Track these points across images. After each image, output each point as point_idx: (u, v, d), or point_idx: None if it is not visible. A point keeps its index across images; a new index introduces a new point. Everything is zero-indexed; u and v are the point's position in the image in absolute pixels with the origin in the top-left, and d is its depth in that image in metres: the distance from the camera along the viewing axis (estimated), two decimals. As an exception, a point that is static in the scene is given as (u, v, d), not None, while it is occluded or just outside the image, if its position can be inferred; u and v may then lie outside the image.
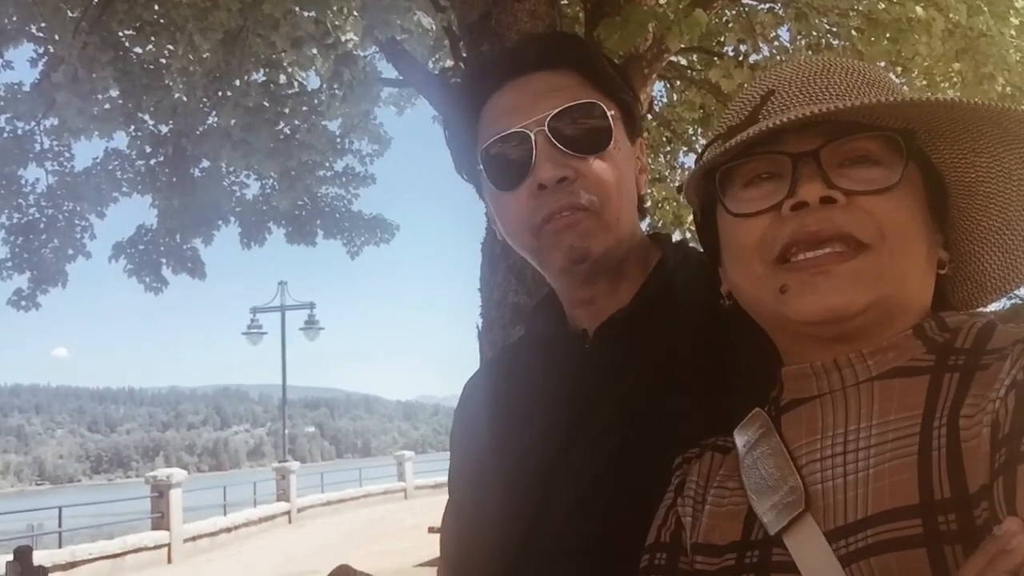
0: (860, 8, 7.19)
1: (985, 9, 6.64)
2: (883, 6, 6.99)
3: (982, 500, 0.76)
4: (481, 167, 1.27)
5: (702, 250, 1.12)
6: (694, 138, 9.69)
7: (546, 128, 1.19)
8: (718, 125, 1.05)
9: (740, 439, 0.99)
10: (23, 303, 8.89)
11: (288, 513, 22.13)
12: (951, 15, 6.50)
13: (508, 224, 1.28)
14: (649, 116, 8.53)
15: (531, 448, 1.22)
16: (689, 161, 9.78)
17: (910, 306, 0.92)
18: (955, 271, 1.02)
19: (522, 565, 1.17)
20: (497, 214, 1.30)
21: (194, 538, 17.34)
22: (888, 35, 6.56)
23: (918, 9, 6.42)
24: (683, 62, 8.91)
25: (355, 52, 7.17)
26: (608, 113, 1.23)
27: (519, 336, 1.45)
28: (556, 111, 1.20)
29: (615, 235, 1.22)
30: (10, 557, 9.27)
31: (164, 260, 9.71)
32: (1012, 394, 0.79)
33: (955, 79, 7.61)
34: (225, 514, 20.27)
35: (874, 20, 6.75)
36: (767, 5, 7.71)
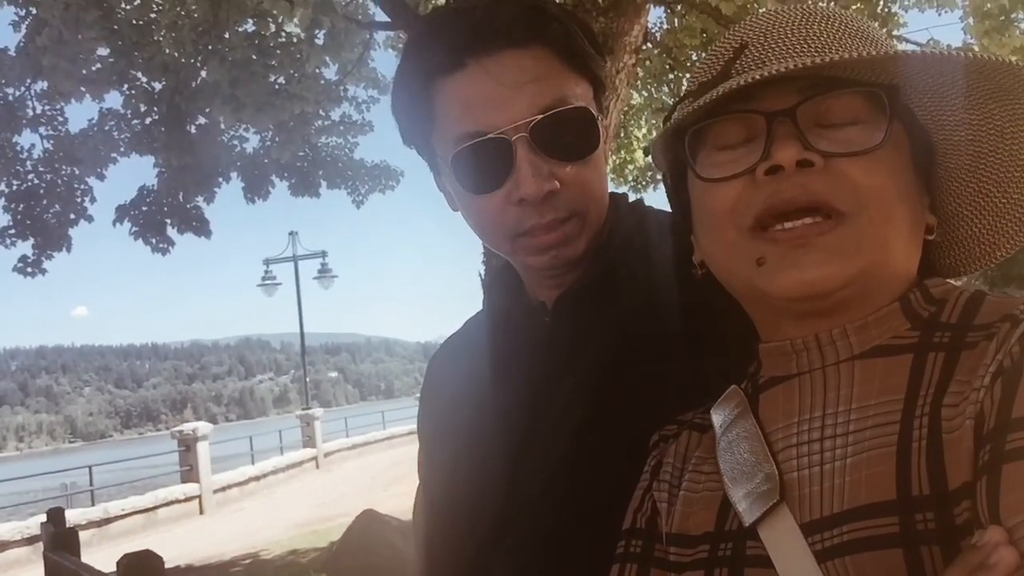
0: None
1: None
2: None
3: (963, 499, 0.71)
4: (449, 167, 1.13)
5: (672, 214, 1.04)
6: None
7: (528, 135, 1.06)
8: (689, 80, 0.95)
9: (716, 418, 0.94)
10: (28, 269, 8.91)
11: (315, 459, 22.53)
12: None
13: (482, 227, 1.17)
14: (649, 44, 8.30)
15: (495, 430, 1.17)
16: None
17: (894, 275, 0.86)
18: (942, 236, 0.95)
19: (492, 551, 1.12)
20: (468, 214, 1.18)
21: (224, 488, 17.69)
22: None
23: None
24: (682, -14, 8.64)
25: (333, -1, 6.94)
26: (596, 117, 1.12)
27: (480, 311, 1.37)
28: (540, 117, 1.07)
29: (594, 232, 1.15)
30: (44, 518, 9.46)
31: (168, 220, 9.68)
32: (998, 383, 0.73)
33: None
34: (253, 463, 20.63)
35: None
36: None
